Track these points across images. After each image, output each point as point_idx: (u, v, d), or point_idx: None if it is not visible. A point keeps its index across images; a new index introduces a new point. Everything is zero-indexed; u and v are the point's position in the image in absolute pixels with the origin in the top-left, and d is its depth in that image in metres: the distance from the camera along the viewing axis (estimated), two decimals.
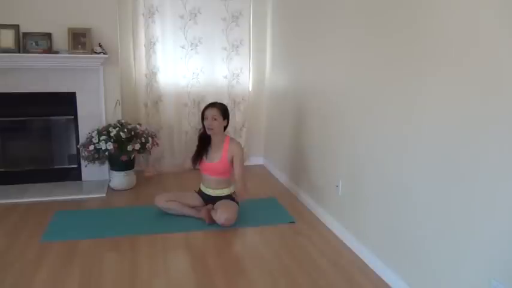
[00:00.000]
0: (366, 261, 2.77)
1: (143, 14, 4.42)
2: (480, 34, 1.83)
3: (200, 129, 3.48)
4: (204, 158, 3.41)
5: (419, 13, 2.21)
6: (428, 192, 2.18)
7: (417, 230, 2.28)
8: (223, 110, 3.36)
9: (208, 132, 3.34)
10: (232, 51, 4.75)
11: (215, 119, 3.30)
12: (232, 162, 3.37)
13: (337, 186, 3.16)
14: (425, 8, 2.16)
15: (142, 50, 4.50)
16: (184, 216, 3.38)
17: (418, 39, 2.22)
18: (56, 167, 4.28)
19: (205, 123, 3.33)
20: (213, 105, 3.37)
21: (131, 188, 4.13)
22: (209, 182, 3.43)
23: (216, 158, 3.37)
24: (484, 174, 1.83)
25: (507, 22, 1.71)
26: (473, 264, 1.91)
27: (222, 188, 3.41)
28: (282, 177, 4.48)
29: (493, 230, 1.80)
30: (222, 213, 3.19)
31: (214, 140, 3.39)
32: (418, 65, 2.23)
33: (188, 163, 3.54)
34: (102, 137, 3.83)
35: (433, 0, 2.11)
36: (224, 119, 3.36)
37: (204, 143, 3.43)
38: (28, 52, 3.79)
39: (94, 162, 4.03)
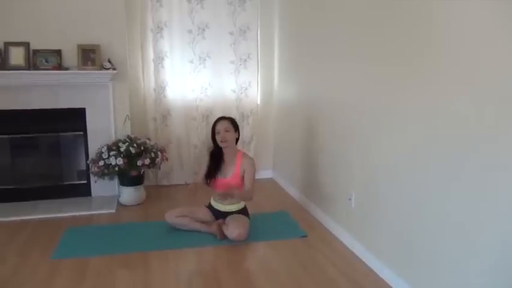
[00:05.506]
0: (379, 274, 2.72)
1: (152, 30, 4.45)
2: (493, 40, 1.81)
3: (209, 147, 3.43)
4: (218, 175, 3.37)
5: (433, 24, 2.20)
6: (444, 204, 2.14)
7: (433, 242, 2.23)
8: (233, 122, 3.38)
9: (222, 145, 3.32)
10: (240, 64, 4.76)
11: (227, 131, 3.30)
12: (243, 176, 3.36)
13: (349, 199, 3.13)
14: (441, 19, 2.15)
15: (151, 65, 4.52)
16: (195, 231, 3.35)
17: (431, 49, 2.20)
18: (65, 183, 4.27)
19: (217, 137, 3.32)
20: (222, 118, 3.40)
21: (141, 203, 4.11)
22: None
23: (229, 174, 3.35)
24: (504, 187, 1.79)
25: None
26: (492, 277, 1.86)
27: (232, 203, 3.38)
28: (292, 190, 4.44)
29: None
30: (234, 228, 3.16)
31: (227, 155, 3.38)
32: (433, 75, 2.20)
33: (199, 180, 3.45)
34: (112, 153, 3.82)
35: (448, 11, 2.10)
36: (235, 130, 3.36)
37: (216, 160, 3.39)
38: (38, 69, 3.82)
39: (104, 178, 4.03)
